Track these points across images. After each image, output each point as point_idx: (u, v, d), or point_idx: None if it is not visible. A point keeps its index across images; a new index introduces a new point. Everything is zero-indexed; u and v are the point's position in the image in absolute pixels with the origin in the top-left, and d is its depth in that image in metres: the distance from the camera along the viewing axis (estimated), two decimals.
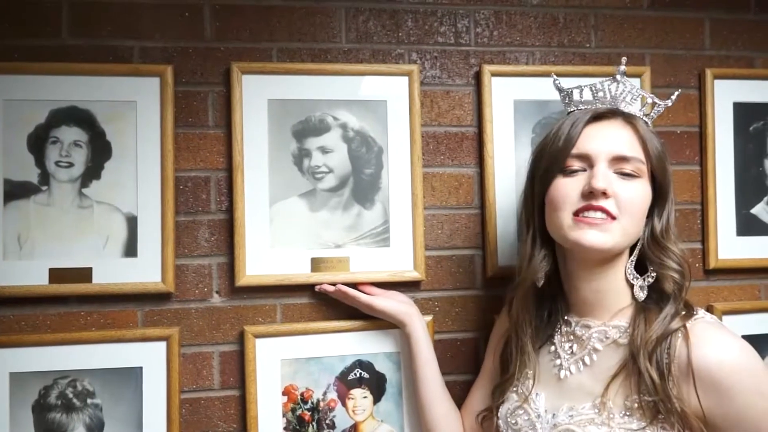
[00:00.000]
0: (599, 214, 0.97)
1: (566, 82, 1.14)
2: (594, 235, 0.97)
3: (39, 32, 1.27)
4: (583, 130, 1.01)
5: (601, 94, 1.06)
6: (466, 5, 1.40)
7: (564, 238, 1.01)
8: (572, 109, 1.09)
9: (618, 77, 1.06)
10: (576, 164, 1.01)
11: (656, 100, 1.08)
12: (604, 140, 1.00)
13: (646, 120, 1.06)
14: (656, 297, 1.00)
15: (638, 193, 0.99)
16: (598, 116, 1.03)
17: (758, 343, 1.38)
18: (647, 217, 1.02)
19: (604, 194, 0.96)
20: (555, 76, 1.16)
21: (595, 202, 0.96)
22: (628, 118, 1.03)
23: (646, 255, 1.02)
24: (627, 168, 0.99)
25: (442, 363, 1.33)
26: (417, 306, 1.29)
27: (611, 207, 0.97)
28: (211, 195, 1.31)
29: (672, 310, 0.97)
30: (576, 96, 1.09)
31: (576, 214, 0.98)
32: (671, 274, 0.99)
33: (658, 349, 0.94)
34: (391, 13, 1.38)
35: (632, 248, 1.03)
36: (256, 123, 1.31)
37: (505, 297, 1.20)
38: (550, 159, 1.03)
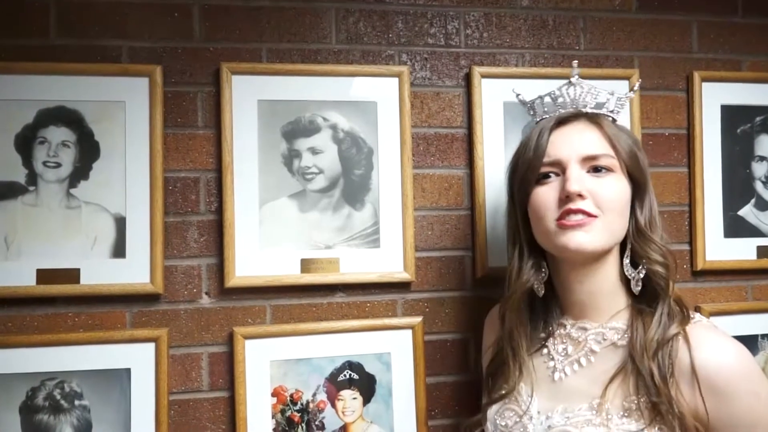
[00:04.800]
0: (580, 216, 0.97)
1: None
2: (580, 237, 0.97)
3: (26, 32, 1.26)
4: (551, 137, 1.02)
5: (561, 99, 1.07)
6: (456, 7, 1.40)
7: (551, 245, 1.01)
8: (539, 119, 1.10)
9: (573, 80, 1.07)
10: (549, 170, 1.02)
11: (618, 93, 1.08)
12: (571, 143, 1.01)
13: (614, 116, 1.07)
14: (648, 296, 1.01)
15: (615, 188, 0.99)
16: (562, 120, 1.04)
17: (745, 344, 1.40)
18: (630, 212, 1.02)
19: (580, 196, 0.97)
20: (517, 92, 1.18)
21: (572, 206, 0.97)
22: (593, 118, 1.04)
23: (634, 249, 1.02)
24: (599, 163, 1.00)
25: (431, 364, 1.34)
26: (407, 307, 1.28)
27: (589, 207, 0.97)
28: (200, 196, 1.31)
29: (665, 310, 0.98)
30: (538, 106, 1.11)
31: (558, 220, 0.99)
32: (656, 268, 0.99)
33: (660, 353, 0.94)
34: (382, 15, 1.38)
35: (624, 245, 1.03)
36: (245, 123, 1.31)
37: (495, 302, 1.19)
38: (524, 171, 1.04)
